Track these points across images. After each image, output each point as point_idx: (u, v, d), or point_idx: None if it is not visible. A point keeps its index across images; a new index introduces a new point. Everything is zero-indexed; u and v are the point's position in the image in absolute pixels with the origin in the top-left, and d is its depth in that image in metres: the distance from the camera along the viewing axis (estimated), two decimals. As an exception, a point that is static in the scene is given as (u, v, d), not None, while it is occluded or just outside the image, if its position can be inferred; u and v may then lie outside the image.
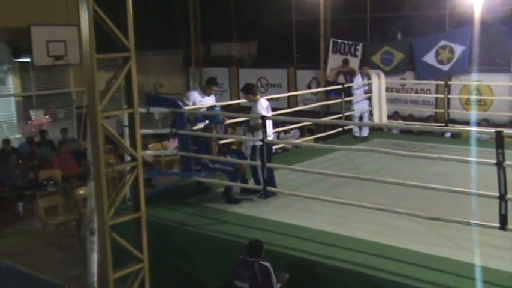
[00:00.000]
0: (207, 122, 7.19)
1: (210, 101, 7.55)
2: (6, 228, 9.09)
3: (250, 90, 6.91)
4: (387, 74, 11.90)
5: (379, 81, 10.64)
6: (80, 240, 7.82)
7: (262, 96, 7.11)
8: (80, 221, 8.08)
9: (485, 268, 4.64)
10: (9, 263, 6.63)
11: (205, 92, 7.59)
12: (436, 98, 12.34)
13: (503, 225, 4.80)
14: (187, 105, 7.32)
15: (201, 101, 7.45)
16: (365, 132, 10.52)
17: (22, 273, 5.91)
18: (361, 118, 10.62)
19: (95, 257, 4.35)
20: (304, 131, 12.80)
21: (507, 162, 4.77)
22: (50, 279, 5.58)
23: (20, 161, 10.55)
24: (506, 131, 4.95)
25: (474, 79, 11.49)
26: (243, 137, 7.14)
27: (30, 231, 8.83)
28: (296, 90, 14.18)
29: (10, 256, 7.50)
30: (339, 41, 13.70)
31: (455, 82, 11.94)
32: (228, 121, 8.61)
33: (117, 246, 4.21)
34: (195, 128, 7.29)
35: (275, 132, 8.93)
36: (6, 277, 6.04)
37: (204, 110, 7.35)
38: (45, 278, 5.61)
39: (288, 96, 13.94)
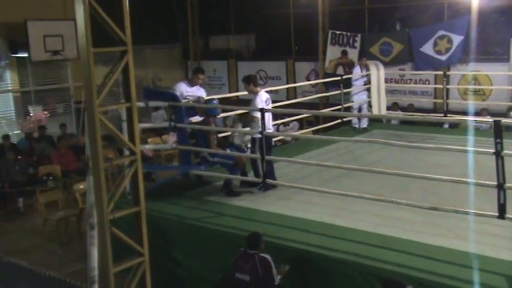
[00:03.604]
0: (197, 115, 7.17)
1: (197, 91, 7.45)
2: (6, 224, 9.11)
3: (251, 81, 6.90)
4: (386, 64, 11.89)
5: (378, 72, 10.63)
6: (80, 235, 7.84)
7: (262, 89, 7.11)
8: (80, 215, 8.09)
9: (484, 257, 4.66)
10: (10, 258, 6.65)
11: (193, 82, 7.50)
12: (435, 89, 12.33)
13: (501, 214, 4.81)
14: None
15: (187, 91, 7.36)
16: (364, 123, 10.53)
17: (23, 269, 5.92)
18: (360, 109, 10.61)
19: (95, 252, 4.35)
20: (303, 123, 12.80)
21: (505, 152, 4.77)
22: (51, 274, 5.59)
23: (19, 157, 10.55)
24: (504, 120, 4.94)
25: (472, 69, 11.47)
26: (243, 129, 7.13)
27: (31, 227, 8.85)
28: (295, 83, 14.15)
29: (11, 251, 7.53)
30: (338, 32, 13.66)
31: (454, 72, 11.93)
32: (227, 114, 8.64)
33: (117, 240, 4.22)
34: (194, 121, 7.27)
35: (274, 125, 8.92)
36: (7, 272, 6.06)
37: (191, 100, 7.28)
38: (46, 273, 5.62)
39: (287, 89, 13.93)
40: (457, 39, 11.96)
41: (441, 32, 12.20)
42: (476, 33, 11.32)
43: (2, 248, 7.74)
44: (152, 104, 7.15)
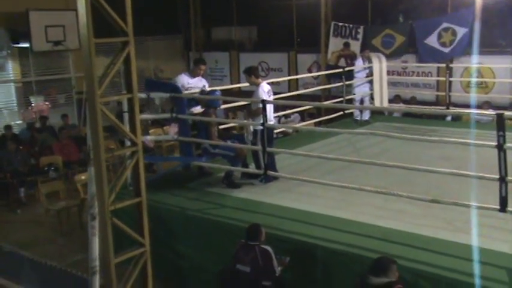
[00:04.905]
0: (198, 106, 7.16)
1: (198, 82, 7.45)
2: (8, 214, 9.14)
3: (252, 72, 6.88)
4: (388, 57, 11.83)
5: (380, 65, 10.59)
6: (81, 225, 7.86)
7: (263, 80, 7.08)
8: (82, 206, 8.11)
9: (485, 250, 4.66)
10: (11, 248, 6.68)
11: (194, 73, 7.49)
12: (438, 81, 12.28)
13: (503, 207, 4.80)
14: None
15: (188, 82, 7.35)
16: (366, 116, 10.50)
17: (24, 258, 5.95)
18: (362, 102, 10.58)
19: (96, 242, 4.37)
20: (304, 115, 12.77)
21: (508, 145, 4.76)
22: (52, 264, 5.61)
23: (21, 147, 10.56)
24: (507, 113, 4.91)
25: (476, 61, 11.42)
26: (244, 121, 7.12)
27: (32, 217, 8.87)
28: (297, 74, 14.12)
29: (12, 241, 7.55)
30: (340, 24, 13.59)
31: (456, 65, 11.87)
32: (229, 105, 8.62)
33: (119, 231, 4.23)
34: (194, 112, 7.25)
35: (276, 117, 8.90)
36: (8, 262, 6.09)
37: (194, 92, 7.27)
38: (47, 262, 5.64)
39: (289, 80, 13.88)
40: (461, 31, 11.88)
41: (445, 24, 12.12)
42: (479, 25, 11.25)
43: (3, 238, 7.77)
44: (154, 95, 7.14)
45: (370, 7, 13.53)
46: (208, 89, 7.44)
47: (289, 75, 14.29)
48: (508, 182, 4.78)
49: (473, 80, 11.56)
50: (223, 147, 6.74)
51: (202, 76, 7.55)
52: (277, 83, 11.33)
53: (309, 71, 14.31)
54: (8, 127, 11.52)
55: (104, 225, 4.13)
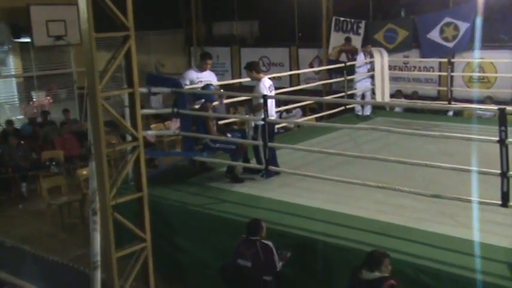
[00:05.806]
0: (202, 100, 7.18)
1: (207, 76, 7.47)
2: (10, 209, 9.16)
3: (253, 68, 6.87)
4: (391, 51, 11.80)
5: (381, 59, 10.55)
6: (83, 220, 7.87)
7: (265, 75, 7.07)
8: (83, 201, 8.12)
9: (486, 245, 4.66)
10: (13, 242, 6.70)
11: (201, 68, 7.53)
12: (439, 76, 12.25)
13: (504, 202, 4.80)
14: (186, 85, 7.29)
15: (198, 77, 7.38)
16: (368, 111, 10.48)
17: (26, 253, 5.97)
18: (363, 97, 10.56)
19: (98, 237, 4.37)
20: (306, 110, 12.77)
21: (510, 140, 4.75)
22: (54, 259, 5.63)
23: (22, 142, 10.58)
24: (509, 108, 4.90)
25: (477, 56, 11.38)
26: (245, 116, 7.12)
27: (34, 212, 8.89)
28: (298, 69, 14.09)
29: (14, 236, 7.57)
30: (342, 18, 13.55)
31: (458, 59, 11.84)
32: (230, 100, 8.62)
33: (120, 225, 4.23)
34: (194, 107, 7.25)
35: (277, 112, 8.90)
36: (10, 256, 6.11)
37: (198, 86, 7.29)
38: (49, 257, 5.66)
39: (290, 75, 13.87)
40: (463, 26, 11.83)
41: (447, 19, 12.07)
42: (481, 19, 11.21)
43: (5, 233, 7.78)
44: (155, 90, 7.13)
45: (371, 2, 13.49)
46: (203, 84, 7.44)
47: (290, 70, 14.27)
48: (510, 177, 4.77)
49: (475, 74, 11.53)
50: (223, 141, 6.73)
51: (210, 70, 7.59)
52: (279, 78, 11.31)
53: (311, 66, 14.28)
54: (9, 122, 11.54)
55: (105, 220, 4.14)
